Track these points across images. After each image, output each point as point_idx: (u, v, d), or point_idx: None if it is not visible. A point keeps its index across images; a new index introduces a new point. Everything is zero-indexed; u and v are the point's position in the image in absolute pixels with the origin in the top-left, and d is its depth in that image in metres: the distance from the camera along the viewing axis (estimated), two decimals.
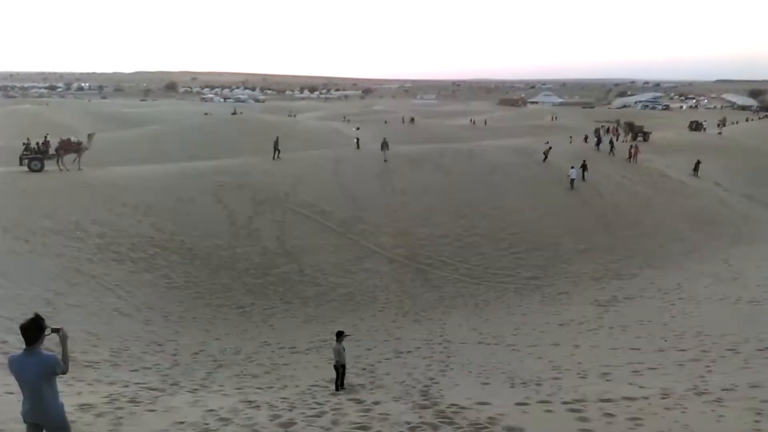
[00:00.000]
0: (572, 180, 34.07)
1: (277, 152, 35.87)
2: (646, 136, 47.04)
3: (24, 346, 5.53)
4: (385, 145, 36.51)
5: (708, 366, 11.91)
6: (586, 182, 34.63)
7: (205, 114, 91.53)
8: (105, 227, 23.81)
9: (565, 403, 9.42)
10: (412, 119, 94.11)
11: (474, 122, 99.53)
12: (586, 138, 47.73)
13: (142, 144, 55.14)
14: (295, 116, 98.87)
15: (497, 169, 35.42)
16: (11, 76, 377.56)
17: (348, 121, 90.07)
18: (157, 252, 23.29)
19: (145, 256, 22.68)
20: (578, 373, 12.41)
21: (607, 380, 11.55)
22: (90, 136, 34.36)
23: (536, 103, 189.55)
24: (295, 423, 8.28)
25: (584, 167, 35.22)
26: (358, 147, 41.11)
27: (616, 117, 67.98)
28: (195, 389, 11.55)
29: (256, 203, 28.68)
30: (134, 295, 19.62)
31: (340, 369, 12.47)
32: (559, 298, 22.79)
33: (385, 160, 34.82)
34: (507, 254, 27.01)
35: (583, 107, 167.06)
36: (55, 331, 5.84)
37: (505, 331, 18.35)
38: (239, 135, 59.47)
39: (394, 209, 29.79)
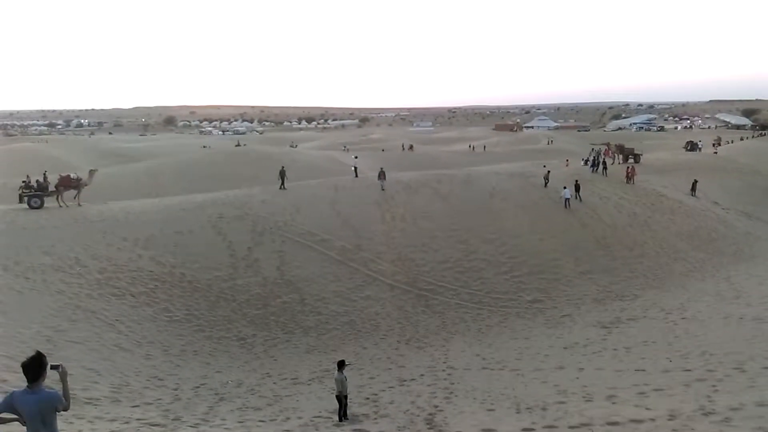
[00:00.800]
0: (566, 200, 34.41)
1: (283, 182, 36.26)
2: (637, 158, 47.36)
3: (26, 384, 5.50)
4: (382, 175, 36.47)
5: (714, 385, 11.79)
6: (584, 203, 34.76)
7: (204, 147, 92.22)
8: (105, 262, 23.77)
9: (571, 427, 9.36)
10: (411, 146, 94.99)
11: (473, 148, 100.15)
12: (586, 161, 48.05)
13: (141, 178, 55.43)
14: (296, 146, 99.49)
15: (495, 194, 35.56)
16: (11, 114, 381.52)
17: (348, 150, 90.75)
18: (157, 285, 23.20)
19: (145, 290, 22.58)
20: (584, 397, 12.29)
21: (613, 403, 11.43)
22: (91, 172, 34.56)
23: (532, 127, 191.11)
24: None
25: (577, 187, 35.65)
26: (356, 175, 41.33)
27: (610, 140, 68.44)
28: (197, 424, 11.43)
29: (255, 234, 28.70)
30: (134, 329, 19.47)
31: (343, 399, 12.35)
32: (562, 320, 22.67)
33: (383, 189, 34.87)
34: (508, 278, 26.95)
35: (579, 130, 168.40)
36: (54, 368, 5.82)
37: (508, 355, 18.22)
38: (238, 167, 59.85)
39: (393, 236, 29.81)
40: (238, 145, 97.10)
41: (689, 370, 13.48)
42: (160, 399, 14.17)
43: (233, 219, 29.96)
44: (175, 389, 15.35)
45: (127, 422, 10.92)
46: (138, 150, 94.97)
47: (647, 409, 10.43)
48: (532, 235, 30.75)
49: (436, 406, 12.98)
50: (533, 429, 9.37)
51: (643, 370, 14.21)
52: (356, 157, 58.32)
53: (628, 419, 9.63)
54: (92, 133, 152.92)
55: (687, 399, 10.94)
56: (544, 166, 39.98)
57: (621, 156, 47.57)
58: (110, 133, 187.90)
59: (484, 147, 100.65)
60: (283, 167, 38.01)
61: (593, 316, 22.69)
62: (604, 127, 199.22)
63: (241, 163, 61.83)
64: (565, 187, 35.03)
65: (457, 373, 16.56)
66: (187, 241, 27.23)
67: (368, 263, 27.33)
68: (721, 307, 20.75)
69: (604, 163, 43.75)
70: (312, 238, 28.76)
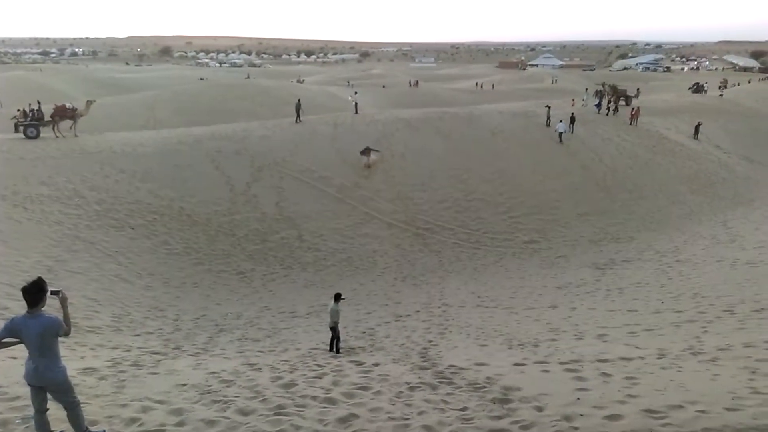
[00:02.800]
0: (560, 134, 34.81)
1: (298, 115, 36.31)
2: (628, 100, 46.36)
3: (26, 309, 5.56)
4: (367, 152, 30.50)
5: (704, 327, 12.04)
6: (585, 143, 34.44)
7: (201, 79, 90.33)
8: (103, 194, 23.75)
9: (562, 363, 9.57)
10: (416, 83, 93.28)
11: (481, 86, 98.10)
12: (586, 103, 47.28)
13: (138, 110, 54.54)
14: (303, 81, 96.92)
15: (497, 133, 35.15)
16: (2, 41, 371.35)
17: (351, 85, 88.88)
18: (156, 218, 23.28)
19: (144, 223, 22.67)
20: (575, 335, 12.55)
21: (604, 341, 11.68)
22: (89, 103, 33.95)
23: (536, 66, 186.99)
24: (297, 384, 8.41)
25: (572, 120, 36.29)
26: (356, 112, 40.67)
27: (615, 80, 67.01)
28: (197, 353, 11.71)
29: (254, 169, 28.54)
30: (134, 261, 19.68)
31: (335, 331, 12.63)
32: (557, 261, 22.92)
33: (368, 166, 30.04)
34: (506, 218, 27.05)
35: (584, 69, 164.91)
36: (55, 293, 5.84)
37: (502, 294, 18.52)
38: (236, 101, 58.84)
39: (393, 174, 29.67)
40: (248, 77, 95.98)
41: (680, 312, 13.74)
42: (160, 329, 14.48)
43: (232, 154, 29.72)
44: (176, 320, 15.66)
45: (128, 350, 11.18)
46: (134, 81, 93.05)
47: (637, 347, 10.66)
48: (532, 176, 30.63)
49: (431, 341, 13.26)
50: (525, 364, 9.60)
51: (635, 311, 14.48)
52: (356, 93, 57.17)
53: (618, 357, 9.84)
54: (87, 66, 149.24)
55: (676, 339, 11.19)
56: (547, 106, 39.26)
57: (614, 97, 46.65)
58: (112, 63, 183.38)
59: (493, 85, 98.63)
60: (299, 100, 38.12)
61: (588, 257, 22.92)
62: (610, 66, 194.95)
63: (239, 98, 60.74)
64: (561, 121, 35.60)
65: (452, 310, 16.86)
66: (185, 174, 27.11)
67: (367, 201, 27.33)
68: (715, 250, 20.94)
69: (610, 102, 43.03)
70: (311, 175, 28.64)
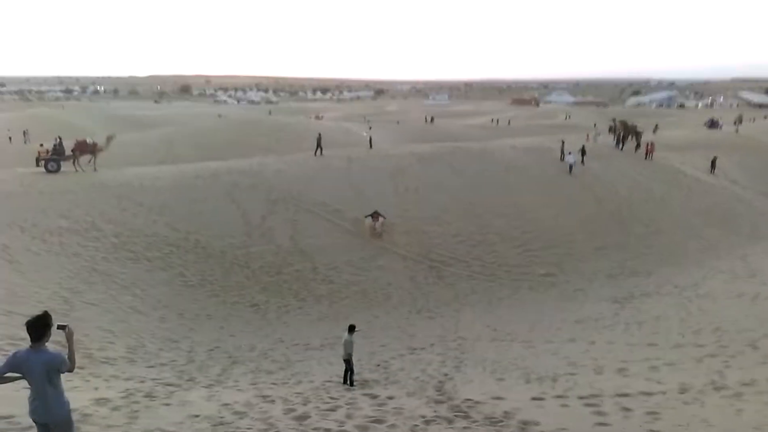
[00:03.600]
0: (570, 165, 35.22)
1: (319, 149, 37.01)
2: (638, 136, 46.18)
3: (29, 344, 5.43)
4: (376, 216, 27.47)
5: (726, 361, 11.73)
6: (599, 178, 34.38)
7: (219, 116, 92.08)
8: (120, 227, 24.03)
9: (581, 398, 9.38)
10: (432, 119, 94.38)
11: (497, 122, 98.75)
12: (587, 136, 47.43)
13: (156, 145, 55.60)
14: (321, 117, 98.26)
15: (510, 168, 35.25)
16: (27, 80, 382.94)
17: (368, 121, 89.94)
18: (172, 251, 23.45)
19: (160, 255, 22.84)
20: (594, 369, 12.31)
21: (624, 376, 11.43)
22: (109, 138, 34.68)
23: (550, 102, 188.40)
24: (310, 416, 8.30)
25: (583, 152, 36.58)
26: (370, 147, 41.10)
27: (629, 117, 67.08)
28: (210, 384, 11.62)
29: (269, 202, 28.79)
30: (149, 293, 19.75)
31: (349, 363, 12.51)
32: (575, 295, 22.65)
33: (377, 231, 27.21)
34: (521, 252, 26.89)
35: (597, 106, 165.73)
36: (61, 327, 5.63)
37: (519, 328, 18.27)
38: (252, 137, 59.76)
39: (407, 208, 29.75)
40: (270, 113, 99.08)
41: (701, 346, 13.42)
42: (174, 360, 14.42)
43: (247, 187, 30.04)
44: (190, 351, 15.60)
45: (142, 381, 11.12)
46: (153, 117, 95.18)
47: (658, 382, 10.42)
48: (546, 210, 30.55)
49: (446, 374, 13.08)
50: (543, 398, 9.41)
51: (655, 345, 14.17)
52: (370, 128, 57.94)
53: (638, 391, 9.63)
54: (108, 102, 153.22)
55: (698, 374, 10.91)
56: (561, 141, 39.38)
57: (622, 132, 46.53)
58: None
59: (509, 121, 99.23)
60: (320, 134, 38.93)
61: (606, 291, 22.62)
62: (623, 103, 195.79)
63: (256, 134, 61.72)
64: (569, 153, 36.08)
65: (468, 343, 16.67)
66: (201, 208, 27.40)
67: (381, 235, 27.34)
68: (735, 285, 20.54)
69: (623, 138, 43.07)
70: (325, 209, 28.80)
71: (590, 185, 33.82)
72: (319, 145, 37.23)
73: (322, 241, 26.34)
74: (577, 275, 25.15)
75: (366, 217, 27.46)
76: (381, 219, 27.22)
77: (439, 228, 28.30)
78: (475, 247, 27.09)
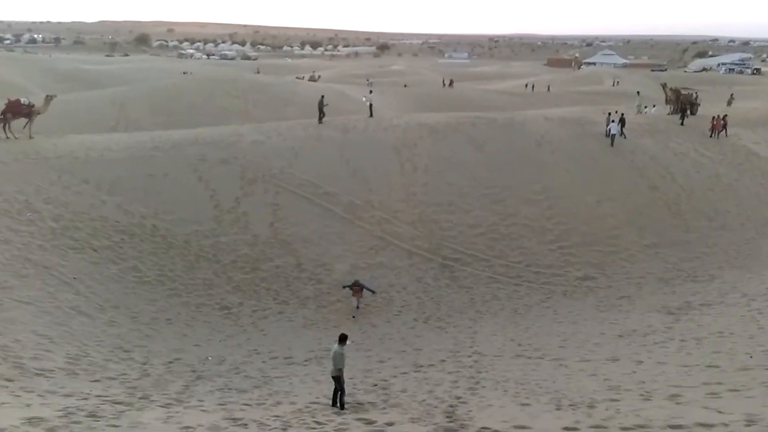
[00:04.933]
0: (612, 136, 35.75)
1: (322, 114, 37.22)
2: (694, 108, 45.78)
3: None
4: (357, 289, 22.35)
5: None
6: (655, 159, 34.31)
7: (184, 73, 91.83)
8: (61, 208, 24.05)
9: (624, 429, 9.44)
10: (451, 82, 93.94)
11: (532, 87, 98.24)
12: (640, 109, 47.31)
13: (107, 108, 55.46)
14: (318, 78, 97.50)
15: (544, 144, 35.13)
16: None
17: (370, 83, 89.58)
18: (124, 239, 23.49)
19: (110, 244, 22.89)
20: (641, 395, 12.38)
21: (677, 403, 11.48)
22: (48, 98, 34.55)
23: (594, 64, 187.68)
24: None
25: (622, 122, 36.85)
26: (371, 114, 40.98)
27: (690, 84, 66.76)
28: (168, 404, 11.70)
29: (244, 182, 28.76)
30: (96, 290, 19.84)
31: (339, 381, 12.56)
32: (619, 303, 22.68)
33: (357, 307, 22.46)
34: (554, 249, 26.89)
35: (653, 70, 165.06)
36: None
37: (550, 342, 18.33)
38: (225, 99, 59.61)
39: (414, 192, 29.72)
40: (258, 72, 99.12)
41: None
42: (125, 374, 14.51)
43: (218, 162, 30.01)
44: (144, 363, 15.69)
45: (85, 398, 11.20)
46: (104, 74, 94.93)
47: (719, 412, 10.46)
48: (587, 197, 30.50)
49: (459, 398, 13.15)
50: (577, 428, 9.46)
51: (716, 367, 14.21)
52: (371, 92, 57.70)
53: (695, 423, 9.67)
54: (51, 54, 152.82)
55: None
56: (608, 113, 39.23)
57: (676, 105, 46.19)
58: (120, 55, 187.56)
59: (549, 87, 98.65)
60: (322, 96, 39.01)
61: (657, 299, 22.65)
62: (685, 66, 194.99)
63: (230, 96, 61.55)
64: (613, 121, 36.42)
65: (486, 360, 16.72)
66: (161, 186, 27.39)
67: (382, 223, 27.36)
68: None
69: (686, 109, 42.86)
70: (314, 191, 28.78)
71: (642, 167, 33.73)
72: (321, 110, 37.27)
73: (309, 230, 26.34)
74: (622, 279, 25.14)
75: (344, 287, 22.54)
76: (360, 294, 22.17)
77: (454, 217, 28.27)
78: (497, 241, 27.07)
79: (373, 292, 22.42)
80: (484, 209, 28.97)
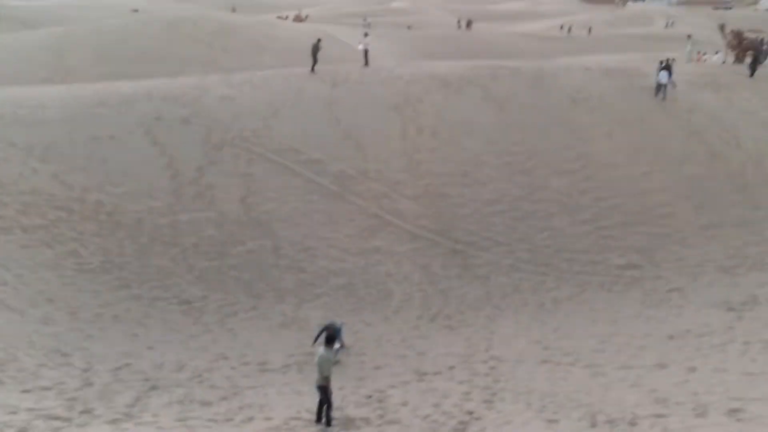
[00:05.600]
0: (660, 85, 35.82)
1: (315, 62, 37.15)
2: (761, 56, 45.41)
3: None
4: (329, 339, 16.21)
5: None
6: (716, 120, 34.20)
7: (135, 11, 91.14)
8: None
9: None
10: (469, 23, 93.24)
11: (569, 30, 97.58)
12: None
13: (39, 55, 55.15)
14: (306, 18, 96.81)
15: (580, 101, 35.01)
16: None
17: (366, 24, 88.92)
18: (61, 217, 23.44)
19: (43, 223, 22.85)
20: (694, 409, 12.45)
21: (738, 420, 11.57)
22: None
23: (642, 0, 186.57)
24: None
25: (668, 68, 36.87)
26: (366, 63, 40.77)
27: (758, 23, 66.08)
28: (116, 419, 11.80)
29: (209, 147, 28.67)
30: (27, 280, 19.85)
31: (325, 392, 12.64)
32: (669, 297, 22.73)
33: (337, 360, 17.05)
34: (591, 230, 26.90)
35: (716, 8, 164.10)
36: None
37: (583, 345, 18.41)
38: (186, 44, 59.26)
39: (419, 159, 29.66)
40: (234, 10, 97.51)
41: None
42: (62, 383, 14.57)
43: (177, 123, 29.89)
44: (86, 370, 15.75)
45: (13, 412, 11.28)
46: (35, 11, 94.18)
47: None
48: (632, 167, 30.46)
49: (471, 412, 13.24)
50: None
51: None
52: (367, 35, 57.42)
53: None
54: None
55: None
56: (660, 62, 39.03)
57: (737, 51, 45.93)
58: None
59: (590, 29, 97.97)
60: (318, 40, 38.76)
61: (716, 292, 22.68)
62: (756, 3, 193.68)
63: (190, 40, 61.13)
64: (663, 68, 36.41)
65: (505, 367, 16.80)
66: (106, 153, 27.30)
67: (379, 199, 27.34)
68: None
69: (757, 58, 42.64)
70: (295, 158, 28.71)
71: (701, 130, 33.63)
72: (314, 57, 37.16)
73: (290, 206, 26.32)
74: (673, 267, 25.16)
75: (315, 342, 17.52)
76: (338, 345, 17.65)
77: (468, 191, 28.25)
78: (520, 220, 27.08)
79: (342, 346, 18.22)
80: (505, 181, 28.94)
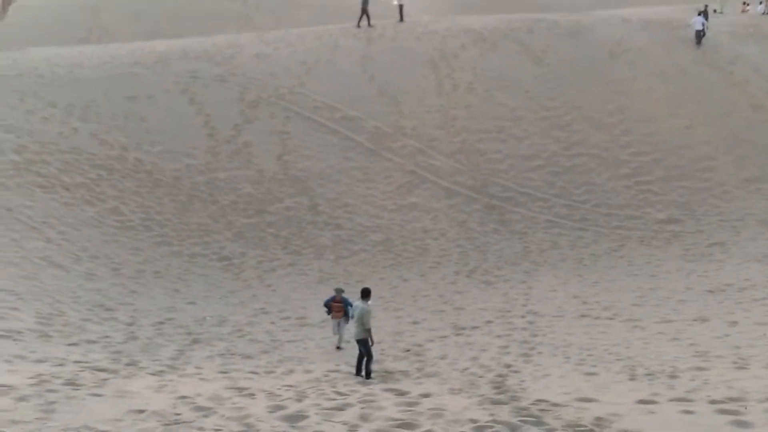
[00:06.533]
0: (698, 32, 35.24)
1: (365, 17, 36.78)
2: None
3: None
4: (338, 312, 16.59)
5: None
6: (759, 71, 33.47)
7: None
8: (25, 138, 24.29)
9: (713, 402, 9.48)
10: None
11: None
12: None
13: (75, 14, 55.42)
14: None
15: (619, 54, 34.42)
16: None
17: None
18: (102, 175, 23.73)
19: (85, 182, 23.15)
20: (735, 362, 12.38)
21: None
22: (5, 3, 34.66)
23: None
24: (307, 416, 8.57)
25: (704, 14, 36.65)
26: (401, 19, 40.40)
27: None
28: (160, 371, 12.01)
29: (246, 105, 28.74)
30: (70, 237, 20.16)
31: (366, 344, 12.74)
32: (710, 251, 22.53)
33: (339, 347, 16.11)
34: (631, 185, 26.64)
35: None
36: None
37: (623, 299, 18.36)
38: (218, 2, 59.13)
39: (455, 116, 29.47)
40: None
41: None
42: (107, 336, 14.87)
43: (213, 81, 29.97)
44: (130, 324, 16.05)
45: (60, 364, 11.53)
46: None
47: None
48: (673, 120, 29.98)
49: (509, 366, 13.29)
50: (655, 401, 9.52)
51: None
52: None
53: None
54: None
55: None
56: (700, 12, 38.14)
57: None
58: None
59: None
60: None
61: (758, 246, 22.44)
62: None
63: None
64: (699, 13, 36.13)
65: (543, 322, 16.81)
66: (144, 111, 27.50)
67: (415, 155, 27.27)
68: None
69: None
70: (331, 115, 28.68)
71: (744, 82, 32.92)
72: (365, 11, 36.74)
73: (326, 164, 26.37)
74: (714, 221, 24.90)
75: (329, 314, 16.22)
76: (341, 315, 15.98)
77: (505, 147, 28.06)
78: (559, 176, 26.88)
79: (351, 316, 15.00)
80: (543, 136, 28.70)
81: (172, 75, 30.18)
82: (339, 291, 15.96)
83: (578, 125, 29.30)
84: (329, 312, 15.90)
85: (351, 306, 15.17)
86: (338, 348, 15.61)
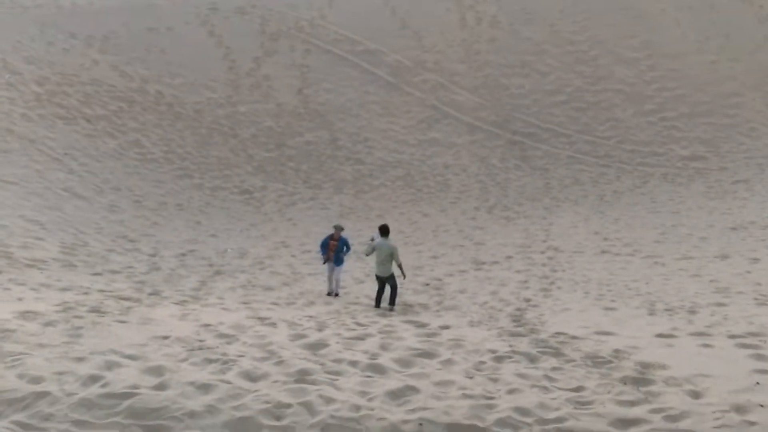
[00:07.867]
0: None
1: None
2: None
3: None
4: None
5: None
6: None
7: None
8: (46, 69, 24.29)
9: (732, 336, 9.49)
10: None
11: None
12: None
13: None
14: None
15: None
16: None
17: None
18: (123, 107, 23.75)
19: (106, 114, 23.19)
20: (755, 299, 12.36)
21: None
22: None
23: None
24: (328, 345, 8.68)
25: None
26: None
27: None
28: (183, 301, 12.16)
29: (266, 37, 28.52)
30: (92, 169, 20.29)
31: (394, 278, 12.83)
32: (734, 189, 22.31)
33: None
34: (654, 121, 26.32)
35: None
36: None
37: (644, 236, 18.30)
38: None
39: (478, 50, 29.12)
40: None
41: None
42: (131, 267, 15.06)
43: (232, 12, 29.70)
44: (153, 255, 16.24)
45: (85, 293, 11.70)
46: None
47: None
48: (700, 55, 29.44)
49: (528, 300, 13.34)
50: (674, 335, 9.54)
51: None
52: None
53: None
54: None
55: None
56: None
57: None
58: None
59: None
60: None
61: None
62: None
63: None
64: None
65: (563, 257, 16.83)
66: (164, 43, 27.36)
67: (437, 90, 27.05)
68: None
69: None
70: (351, 48, 28.42)
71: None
72: None
73: (347, 98, 26.24)
74: (739, 159, 24.57)
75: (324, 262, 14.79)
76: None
77: (527, 81, 27.75)
78: (582, 111, 26.60)
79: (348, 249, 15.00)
80: (567, 71, 28.32)
81: (191, 6, 29.93)
82: (339, 228, 14.87)
83: (603, 60, 28.87)
84: (325, 254, 14.34)
85: (348, 249, 14.51)
86: (335, 295, 14.11)
